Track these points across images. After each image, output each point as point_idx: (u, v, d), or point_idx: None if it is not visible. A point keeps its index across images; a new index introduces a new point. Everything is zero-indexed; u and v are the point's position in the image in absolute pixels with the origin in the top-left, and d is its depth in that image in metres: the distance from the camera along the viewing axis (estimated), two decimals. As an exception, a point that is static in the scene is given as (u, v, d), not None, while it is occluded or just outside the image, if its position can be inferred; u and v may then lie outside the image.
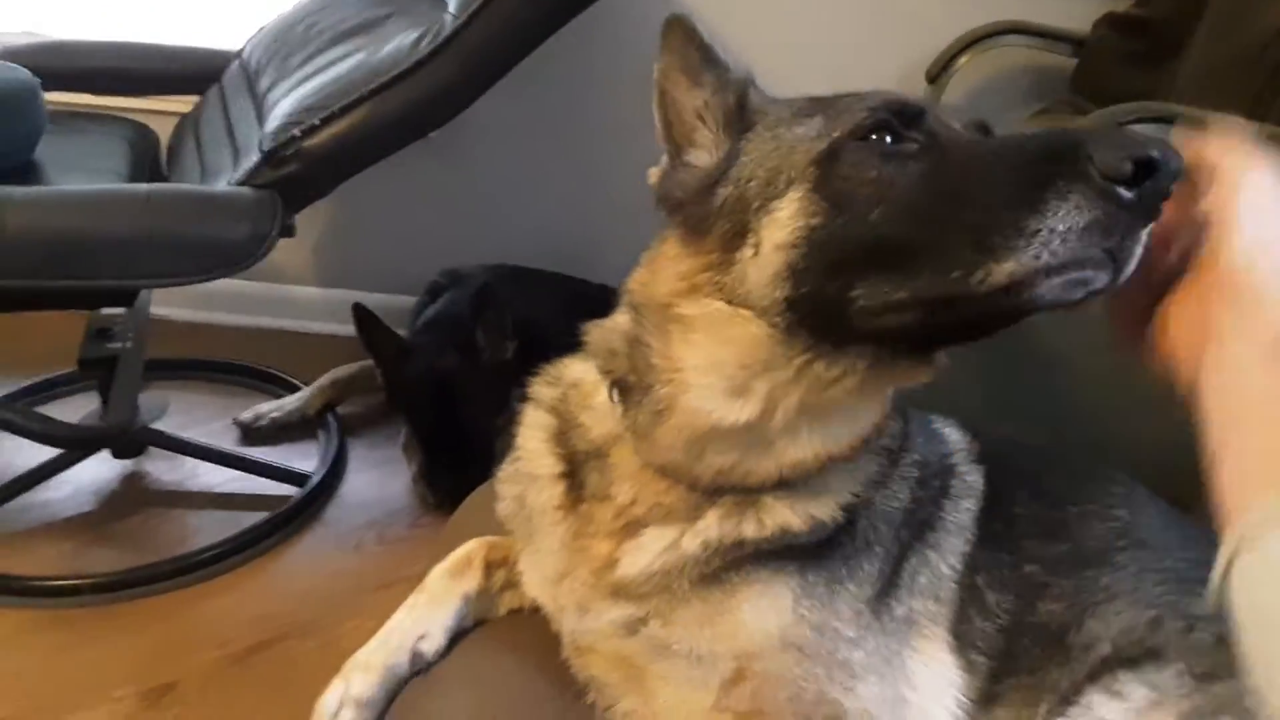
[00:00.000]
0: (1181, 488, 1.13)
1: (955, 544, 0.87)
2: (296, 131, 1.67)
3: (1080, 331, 1.21)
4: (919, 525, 0.87)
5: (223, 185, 1.74)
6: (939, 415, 0.99)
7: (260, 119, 1.87)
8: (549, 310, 2.03)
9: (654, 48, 0.81)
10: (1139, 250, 0.62)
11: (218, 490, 2.04)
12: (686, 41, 0.80)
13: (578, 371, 0.91)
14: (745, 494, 0.80)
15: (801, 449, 0.78)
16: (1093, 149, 0.60)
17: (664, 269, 0.80)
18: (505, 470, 0.95)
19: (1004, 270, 0.61)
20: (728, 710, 0.77)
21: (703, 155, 0.80)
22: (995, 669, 0.83)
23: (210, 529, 1.91)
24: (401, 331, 2.21)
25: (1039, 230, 0.60)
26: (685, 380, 0.77)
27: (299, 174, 1.68)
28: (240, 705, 1.56)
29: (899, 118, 0.70)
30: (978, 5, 2.31)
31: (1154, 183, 0.60)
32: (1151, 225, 0.63)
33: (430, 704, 0.87)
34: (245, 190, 1.67)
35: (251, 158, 1.74)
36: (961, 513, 0.89)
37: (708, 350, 0.76)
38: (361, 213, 2.63)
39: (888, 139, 0.70)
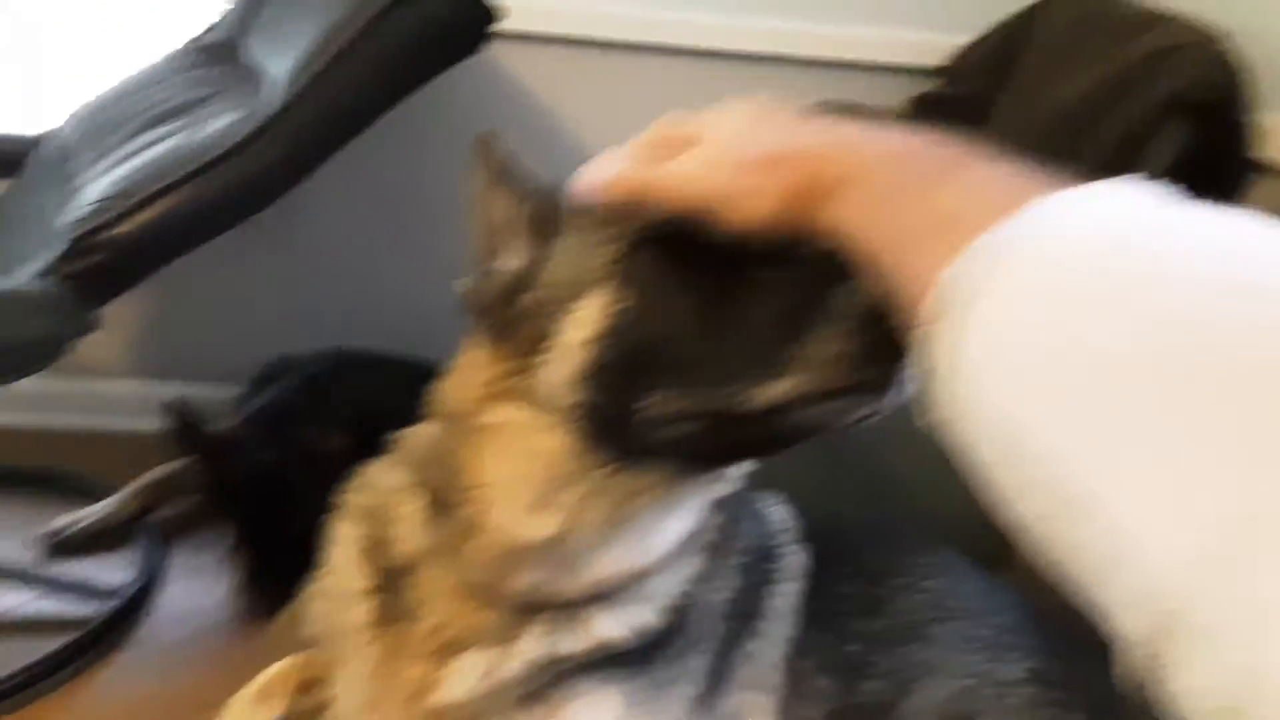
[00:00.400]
0: (995, 548, 1.16)
1: (780, 630, 0.88)
2: (106, 218, 1.57)
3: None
4: (745, 615, 0.86)
5: (21, 278, 1.61)
6: (767, 493, 0.98)
7: (69, 205, 1.75)
8: (390, 395, 1.94)
9: (488, 122, 0.81)
10: (898, 382, 0.61)
11: (19, 612, 1.86)
12: (494, 157, 0.79)
13: (390, 478, 0.86)
14: (561, 610, 0.78)
15: (611, 564, 0.77)
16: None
17: (469, 376, 0.79)
18: (313, 585, 0.90)
19: (775, 391, 0.61)
20: None
21: (510, 260, 0.78)
22: None
23: (6, 658, 1.72)
24: (223, 425, 2.07)
25: (806, 358, 0.60)
26: (490, 496, 0.75)
27: (106, 264, 1.57)
28: None
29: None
30: (801, 85, 2.39)
31: None
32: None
33: None
34: (42, 287, 1.54)
35: (56, 248, 1.62)
36: (785, 597, 0.90)
37: (511, 464, 0.75)
38: (181, 298, 2.49)
39: (691, 235, 0.68)
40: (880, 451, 1.21)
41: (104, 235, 1.57)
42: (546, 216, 0.77)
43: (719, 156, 0.61)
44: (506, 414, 0.74)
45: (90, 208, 1.62)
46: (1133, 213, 0.45)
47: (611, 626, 0.78)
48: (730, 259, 0.66)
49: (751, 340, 0.63)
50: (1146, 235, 0.43)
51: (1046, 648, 0.88)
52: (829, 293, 0.60)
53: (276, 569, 1.91)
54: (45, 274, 1.57)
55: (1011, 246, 0.45)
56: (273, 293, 2.54)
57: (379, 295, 2.53)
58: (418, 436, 0.85)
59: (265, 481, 1.91)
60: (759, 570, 0.89)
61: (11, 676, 1.67)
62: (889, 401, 0.62)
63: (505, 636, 0.77)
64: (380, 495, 0.86)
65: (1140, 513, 0.36)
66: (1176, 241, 0.42)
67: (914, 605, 0.91)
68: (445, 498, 0.78)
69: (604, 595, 0.78)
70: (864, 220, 0.54)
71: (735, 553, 0.88)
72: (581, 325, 0.70)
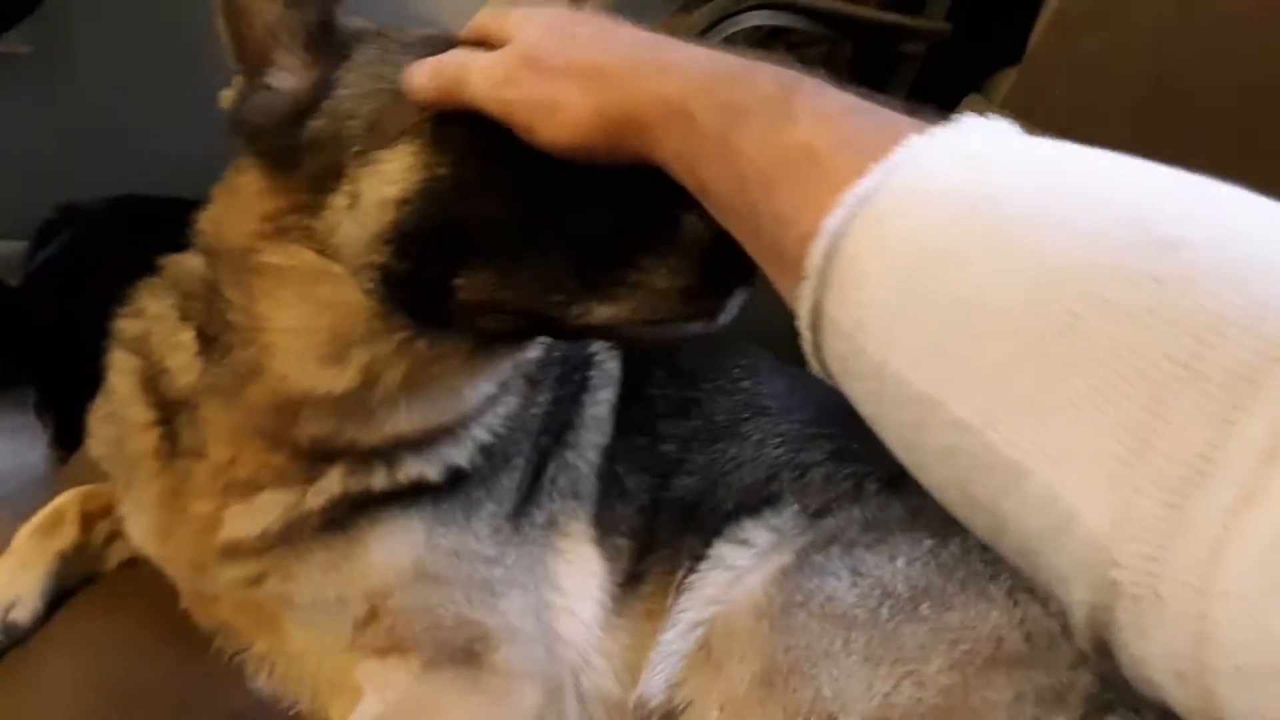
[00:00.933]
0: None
1: (593, 438, 0.88)
2: None
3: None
4: (559, 428, 0.86)
5: None
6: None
7: None
8: (181, 238, 1.84)
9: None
10: (734, 307, 0.61)
11: None
12: None
13: (159, 305, 0.80)
14: (363, 454, 0.74)
15: (406, 422, 0.73)
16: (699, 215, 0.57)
17: (243, 207, 0.70)
18: (99, 409, 0.85)
19: (602, 313, 0.60)
20: (364, 648, 0.75)
21: (286, 78, 0.68)
22: (638, 549, 0.86)
23: None
24: (12, 281, 1.94)
25: (637, 285, 0.59)
26: (272, 343, 0.69)
27: None
28: None
29: None
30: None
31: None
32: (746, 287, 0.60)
33: (29, 670, 0.78)
34: None
35: None
36: (600, 405, 0.90)
37: (297, 312, 0.68)
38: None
39: None
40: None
41: None
42: (324, 30, 0.68)
43: (526, 58, 0.57)
44: (290, 256, 0.67)
45: None
46: (992, 155, 0.41)
47: (423, 467, 0.76)
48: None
49: (580, 252, 0.60)
50: (1011, 179, 0.40)
51: (850, 432, 0.90)
52: (664, 218, 0.57)
53: (84, 421, 1.83)
54: None
55: (884, 199, 0.41)
56: (46, 137, 2.32)
57: (157, 137, 2.35)
58: (181, 267, 0.78)
59: (62, 334, 1.80)
60: (573, 381, 0.89)
61: None
62: (721, 323, 0.61)
63: (304, 477, 0.74)
64: (151, 324, 0.80)
65: (1067, 480, 0.34)
66: (1045, 188, 0.39)
67: (728, 406, 0.93)
68: (218, 335, 0.72)
69: (409, 445, 0.75)
70: (699, 154, 0.51)
71: (549, 366, 0.88)
72: (385, 180, 0.63)
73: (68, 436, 1.84)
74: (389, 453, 0.75)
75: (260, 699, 0.77)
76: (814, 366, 0.47)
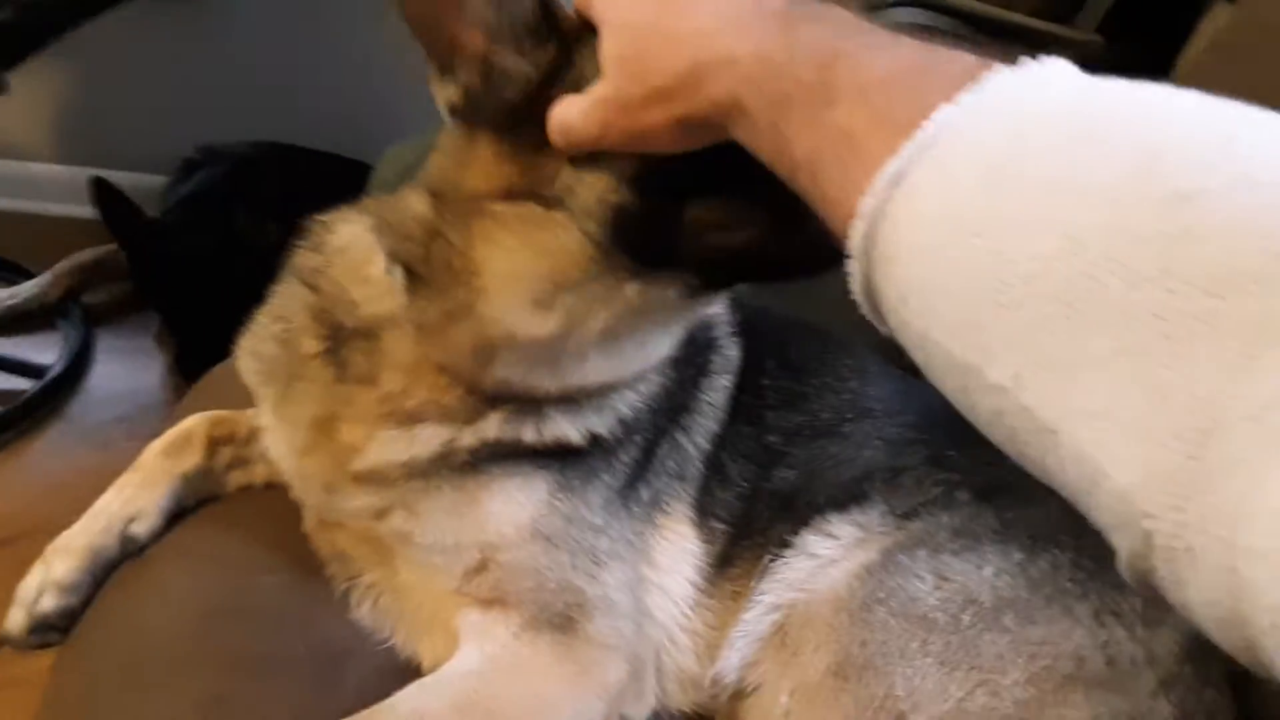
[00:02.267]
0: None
1: (707, 424, 0.89)
2: (1, -24, 1.48)
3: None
4: (677, 409, 0.88)
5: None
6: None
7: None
8: (316, 190, 1.90)
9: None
10: None
11: (-57, 386, 1.86)
12: None
13: (347, 236, 0.84)
14: (525, 404, 0.78)
15: (594, 372, 0.77)
16: None
17: (475, 167, 0.73)
18: (262, 329, 0.88)
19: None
20: (469, 596, 0.78)
21: (516, 61, 0.69)
22: (733, 533, 0.87)
23: (-66, 426, 1.74)
24: (152, 213, 2.04)
25: None
26: (486, 287, 0.72)
27: (7, 23, 1.49)
28: (-29, 607, 1.45)
29: None
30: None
31: None
32: None
33: (144, 580, 0.83)
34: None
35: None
36: (717, 391, 0.91)
37: (517, 257, 0.71)
38: (107, 80, 2.39)
39: None
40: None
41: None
42: (546, 12, 0.69)
43: (606, 102, 0.61)
44: (517, 209, 0.71)
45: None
46: (1020, 115, 0.42)
47: (568, 429, 0.79)
48: None
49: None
50: (1036, 141, 0.41)
51: (949, 440, 0.90)
52: None
53: (203, 354, 1.91)
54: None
55: (915, 175, 0.43)
56: (201, 81, 2.42)
57: (300, 89, 2.44)
58: (399, 209, 0.80)
59: (192, 267, 1.89)
60: (695, 364, 0.90)
61: (-61, 445, 1.69)
62: None
63: (469, 417, 0.77)
64: (333, 253, 0.84)
65: (1096, 438, 0.36)
66: (1067, 146, 0.40)
67: (834, 404, 0.93)
68: (429, 274, 0.75)
69: (572, 399, 0.79)
70: (764, 146, 0.54)
71: (676, 347, 0.87)
72: None
73: (186, 363, 1.94)
74: (548, 405, 0.78)
75: (357, 630, 0.81)
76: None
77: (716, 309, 0.96)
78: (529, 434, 0.78)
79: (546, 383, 0.77)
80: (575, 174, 0.68)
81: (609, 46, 0.62)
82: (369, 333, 0.79)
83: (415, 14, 0.68)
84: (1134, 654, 0.71)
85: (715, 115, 0.56)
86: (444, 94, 0.72)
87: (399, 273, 0.78)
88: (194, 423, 0.93)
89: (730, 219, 0.66)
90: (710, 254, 0.68)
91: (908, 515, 0.85)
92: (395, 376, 0.78)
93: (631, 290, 0.71)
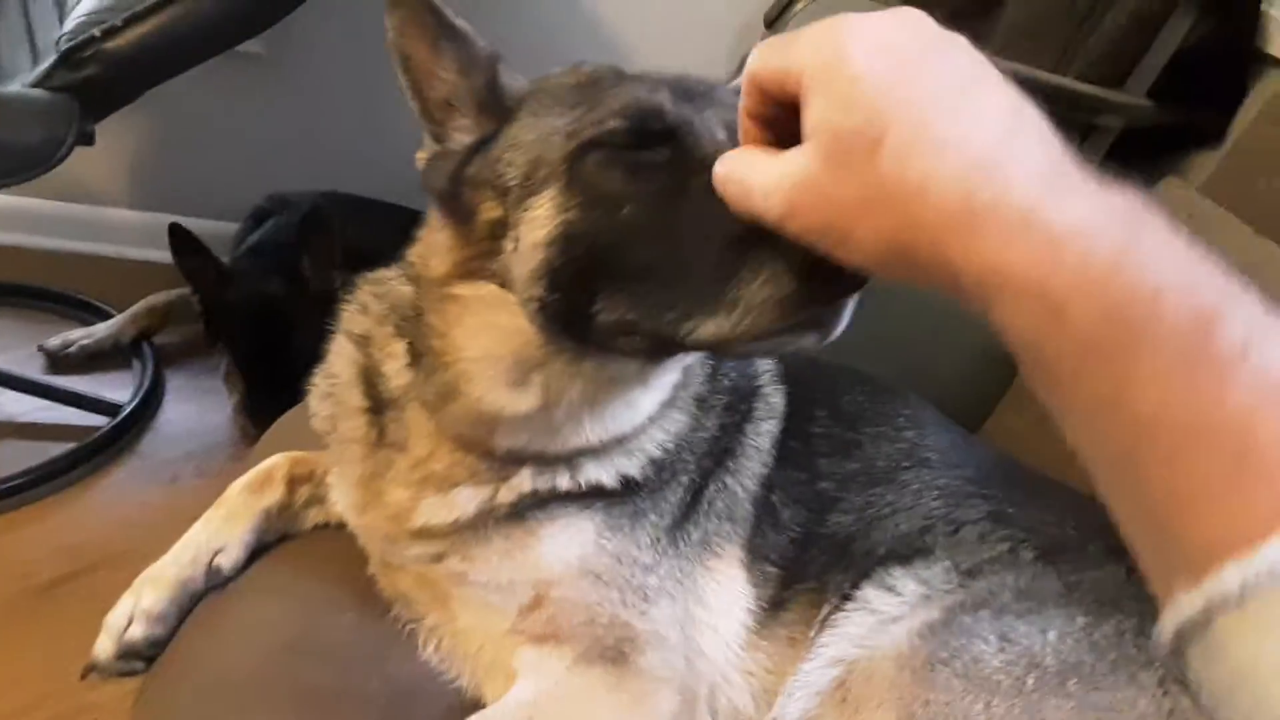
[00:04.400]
0: (973, 408, 1.22)
1: (753, 466, 0.92)
2: (96, 31, 1.55)
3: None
4: (722, 452, 0.90)
5: (16, 87, 1.62)
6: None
7: (59, 19, 1.74)
8: (381, 241, 1.96)
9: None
10: (845, 315, 0.60)
11: (21, 420, 1.93)
12: (422, 12, 0.74)
13: (379, 311, 0.89)
14: (549, 459, 0.82)
15: (588, 435, 0.81)
16: None
17: (437, 251, 0.80)
18: (320, 385, 0.94)
19: (708, 330, 0.60)
20: (523, 634, 0.80)
21: (464, 139, 0.77)
22: (785, 577, 0.88)
23: (12, 460, 1.80)
24: (223, 259, 2.11)
25: (738, 300, 0.58)
26: (465, 370, 0.78)
27: (98, 78, 1.56)
28: (39, 637, 1.49)
29: (641, 132, 0.67)
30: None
31: None
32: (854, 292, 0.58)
33: (226, 613, 0.86)
34: (38, 92, 1.54)
35: (49, 59, 1.61)
36: (762, 435, 0.93)
37: (484, 340, 0.77)
38: (184, 133, 2.49)
39: (635, 148, 0.67)
40: (869, 300, 1.24)
41: (95, 49, 1.55)
42: (491, 91, 0.76)
43: (805, 185, 0.48)
44: (477, 289, 0.76)
45: (81, 20, 1.60)
46: None
47: (600, 475, 0.83)
48: (673, 174, 0.65)
49: (692, 275, 0.61)
50: None
51: (1008, 497, 0.91)
52: (767, 234, 0.54)
53: (269, 396, 1.97)
54: (38, 85, 1.57)
55: None
56: (273, 132, 2.52)
57: (368, 142, 2.51)
58: (396, 288, 0.86)
59: (263, 312, 1.95)
60: (738, 409, 0.93)
61: (16, 477, 1.75)
62: (834, 333, 0.61)
63: (496, 476, 0.81)
64: (372, 326, 0.88)
65: None
66: None
67: (889, 452, 0.95)
68: (424, 354, 0.81)
69: (590, 452, 0.82)
70: (1060, 358, 0.41)
71: (719, 392, 0.92)
72: (536, 226, 0.70)
73: (252, 405, 1.99)
74: (572, 459, 0.82)
75: (427, 670, 0.83)
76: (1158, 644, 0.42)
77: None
78: (564, 482, 0.82)
79: (553, 446, 0.81)
80: (510, 260, 0.72)
81: (824, 114, 0.47)
82: (397, 402, 0.85)
83: (408, 79, 0.76)
84: (1198, 724, 0.71)
85: (977, 280, 0.42)
86: (420, 157, 0.79)
87: (402, 349, 0.83)
88: (276, 461, 0.97)
89: (627, 312, 0.66)
90: (622, 342, 0.69)
91: (971, 573, 0.86)
92: (422, 443, 0.83)
93: (590, 365, 0.75)
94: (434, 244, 0.80)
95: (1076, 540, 0.89)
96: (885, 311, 1.27)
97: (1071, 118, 1.83)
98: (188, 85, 1.79)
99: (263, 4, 1.74)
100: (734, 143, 0.59)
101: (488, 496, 0.81)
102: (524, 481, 0.81)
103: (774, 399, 0.97)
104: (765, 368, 0.99)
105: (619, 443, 0.83)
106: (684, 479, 0.88)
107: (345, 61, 2.44)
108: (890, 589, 0.86)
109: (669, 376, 0.83)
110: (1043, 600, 0.81)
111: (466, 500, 0.81)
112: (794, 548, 0.90)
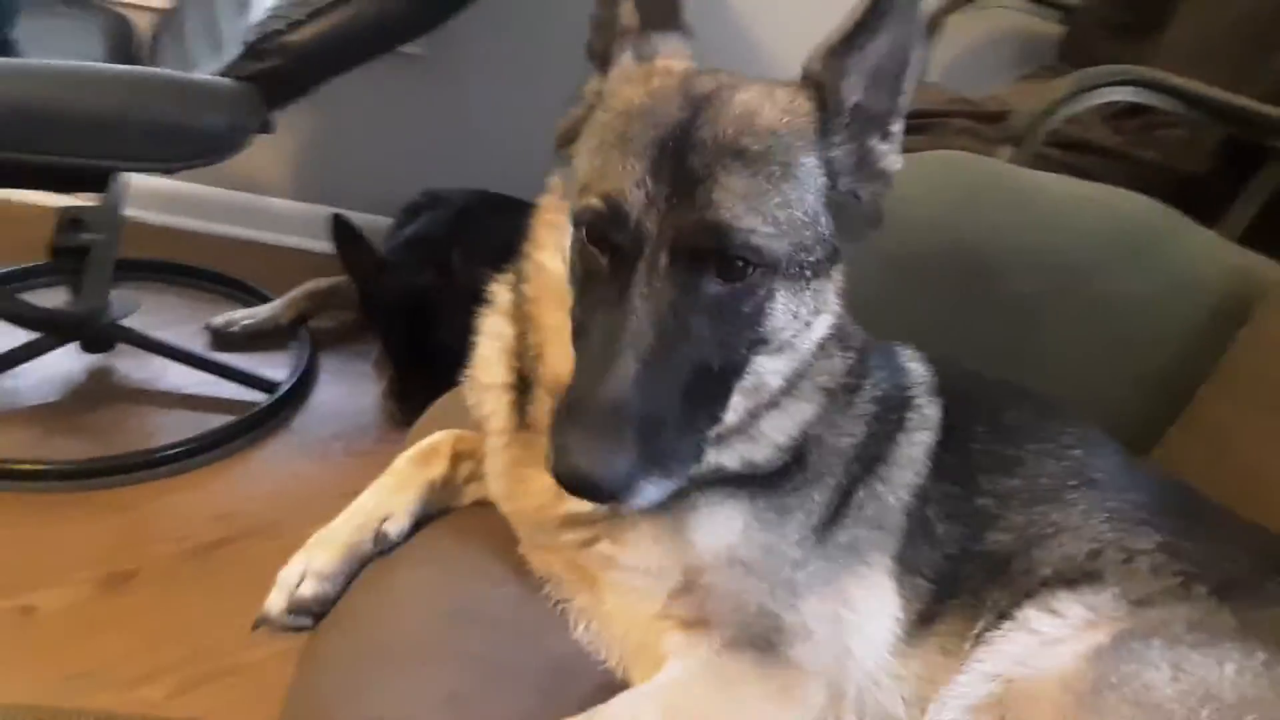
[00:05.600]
0: (1133, 434, 1.17)
1: (905, 476, 0.90)
2: (281, 25, 1.65)
3: (1042, 278, 1.25)
4: (871, 459, 0.90)
5: (203, 75, 1.72)
6: (905, 347, 1.01)
7: (241, 12, 1.86)
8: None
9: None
10: None
11: (185, 391, 2.04)
12: None
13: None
14: None
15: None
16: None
17: (539, 216, 0.88)
18: (471, 369, 0.98)
19: None
20: (672, 618, 0.81)
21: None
22: (938, 592, 0.87)
23: (175, 428, 1.91)
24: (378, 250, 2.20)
25: None
26: (543, 339, 0.85)
27: (280, 69, 1.66)
28: (195, 597, 1.58)
29: (601, 230, 0.74)
30: (974, -35, 2.31)
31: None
32: None
33: (392, 578, 0.89)
34: (226, 80, 1.65)
35: (232, 50, 1.72)
36: (915, 446, 0.92)
37: (555, 309, 0.82)
38: (345, 129, 2.61)
39: (595, 240, 0.74)
40: (1036, 321, 1.22)
41: (279, 41, 1.66)
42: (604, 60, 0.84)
43: None
44: (551, 258, 0.80)
45: (266, 14, 1.71)
46: None
47: (724, 458, 0.83)
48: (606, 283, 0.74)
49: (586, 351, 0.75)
50: None
51: (1182, 529, 0.89)
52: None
53: (416, 382, 2.05)
54: (223, 75, 1.68)
55: None
56: (428, 132, 2.62)
57: (518, 143, 2.58)
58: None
59: (414, 302, 2.02)
60: (890, 419, 0.92)
61: (179, 445, 1.85)
62: None
63: None
64: (525, 299, 0.90)
65: None
66: None
67: (1054, 470, 0.93)
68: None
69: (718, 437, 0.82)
70: None
71: (868, 400, 0.92)
72: (566, 238, 0.79)
73: (399, 390, 2.07)
74: None
75: (580, 648, 0.84)
76: None
77: (916, 370, 0.98)
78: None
79: None
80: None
81: None
82: (537, 383, 0.87)
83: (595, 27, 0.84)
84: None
85: None
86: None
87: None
88: (441, 437, 1.00)
89: None
90: None
91: (1142, 602, 0.83)
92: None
93: None
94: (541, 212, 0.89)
95: (1253, 576, 0.85)
96: (1046, 330, 1.25)
97: (1245, 140, 1.75)
98: (350, 84, 1.88)
99: (430, 6, 1.81)
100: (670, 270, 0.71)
101: None
102: None
103: (928, 410, 0.95)
104: (919, 379, 0.98)
105: (735, 430, 0.83)
106: (830, 480, 0.87)
107: (500, 66, 2.52)
108: (1053, 611, 0.84)
109: (772, 365, 0.82)
110: (1218, 634, 0.78)
111: None
112: (949, 563, 0.88)
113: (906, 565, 0.88)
